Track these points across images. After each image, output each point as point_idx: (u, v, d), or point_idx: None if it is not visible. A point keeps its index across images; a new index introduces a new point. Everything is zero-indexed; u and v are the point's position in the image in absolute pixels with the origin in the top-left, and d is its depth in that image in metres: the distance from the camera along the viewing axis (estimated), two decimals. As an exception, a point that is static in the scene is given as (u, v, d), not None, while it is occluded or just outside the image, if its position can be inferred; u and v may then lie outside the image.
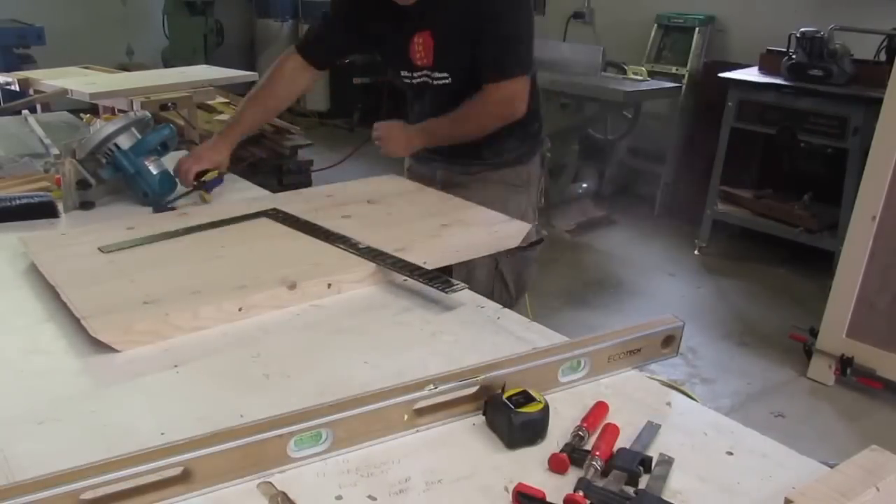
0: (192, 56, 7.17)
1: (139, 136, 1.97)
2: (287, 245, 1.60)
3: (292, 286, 1.37)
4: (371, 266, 1.47)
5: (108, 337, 1.21)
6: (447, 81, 2.02)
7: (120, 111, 3.57)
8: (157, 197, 1.94)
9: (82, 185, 1.90)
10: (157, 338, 1.25)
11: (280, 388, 1.14)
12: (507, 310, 1.41)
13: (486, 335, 1.31)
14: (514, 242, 1.72)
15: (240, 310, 1.32)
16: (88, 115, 3.05)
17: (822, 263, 4.26)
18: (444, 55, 1.99)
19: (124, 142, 1.94)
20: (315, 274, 1.43)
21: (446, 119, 2.00)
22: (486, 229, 1.72)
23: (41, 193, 1.93)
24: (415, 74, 2.05)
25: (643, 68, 5.05)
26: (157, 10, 7.57)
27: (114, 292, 1.35)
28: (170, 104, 3.77)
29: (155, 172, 1.94)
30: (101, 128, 1.94)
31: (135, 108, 3.50)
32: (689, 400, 1.17)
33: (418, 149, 2.12)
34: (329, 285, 1.42)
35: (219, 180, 2.03)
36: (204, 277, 1.41)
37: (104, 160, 1.94)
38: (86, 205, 1.92)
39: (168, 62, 7.40)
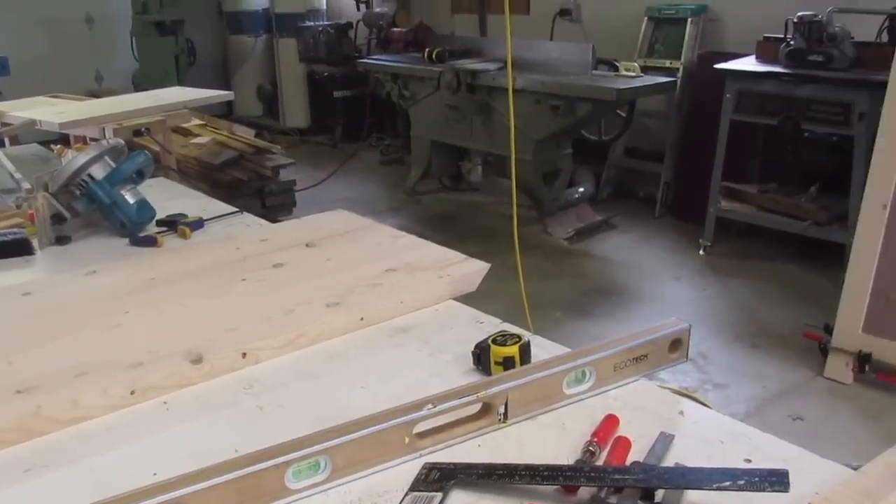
0: (163, 78, 7.19)
1: (113, 165, 1.97)
2: (200, 307, 1.46)
3: (197, 360, 1.24)
4: (292, 333, 1.34)
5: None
6: None
7: (92, 140, 3.57)
8: (135, 227, 1.94)
9: (57, 219, 1.89)
10: (29, 435, 1.10)
11: (275, 419, 1.14)
12: (507, 325, 1.41)
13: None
14: (471, 286, 1.56)
15: (132, 393, 1.18)
16: (59, 146, 3.05)
17: (832, 256, 4.28)
18: None
19: (98, 171, 1.94)
20: (226, 342, 1.29)
21: None
22: (436, 273, 1.53)
23: (14, 230, 1.92)
24: None
25: (636, 64, 5.08)
26: (125, 32, 7.60)
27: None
28: (143, 129, 3.77)
29: (132, 201, 1.94)
30: (73, 159, 1.94)
31: (107, 135, 3.50)
32: (702, 407, 1.17)
33: None
34: (244, 355, 1.28)
35: (199, 223, 2.01)
36: (96, 353, 1.26)
37: (78, 192, 1.93)
38: (62, 239, 1.92)
39: (139, 85, 7.43)
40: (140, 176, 2.02)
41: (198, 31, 7.91)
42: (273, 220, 5.13)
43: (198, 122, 5.54)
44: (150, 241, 1.90)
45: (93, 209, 1.95)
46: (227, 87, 8.10)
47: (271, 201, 5.41)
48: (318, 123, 7.72)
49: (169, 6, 7.43)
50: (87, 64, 7.67)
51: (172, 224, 1.99)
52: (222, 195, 3.20)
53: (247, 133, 5.77)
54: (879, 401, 3.22)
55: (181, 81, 7.10)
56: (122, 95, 5.49)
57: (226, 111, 7.61)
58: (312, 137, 7.68)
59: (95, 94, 5.68)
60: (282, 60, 7.84)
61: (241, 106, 7.96)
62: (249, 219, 2.11)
